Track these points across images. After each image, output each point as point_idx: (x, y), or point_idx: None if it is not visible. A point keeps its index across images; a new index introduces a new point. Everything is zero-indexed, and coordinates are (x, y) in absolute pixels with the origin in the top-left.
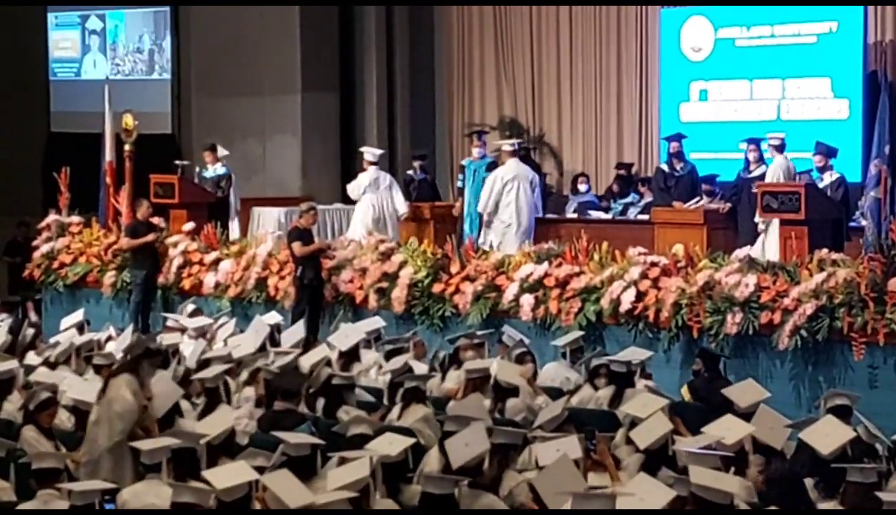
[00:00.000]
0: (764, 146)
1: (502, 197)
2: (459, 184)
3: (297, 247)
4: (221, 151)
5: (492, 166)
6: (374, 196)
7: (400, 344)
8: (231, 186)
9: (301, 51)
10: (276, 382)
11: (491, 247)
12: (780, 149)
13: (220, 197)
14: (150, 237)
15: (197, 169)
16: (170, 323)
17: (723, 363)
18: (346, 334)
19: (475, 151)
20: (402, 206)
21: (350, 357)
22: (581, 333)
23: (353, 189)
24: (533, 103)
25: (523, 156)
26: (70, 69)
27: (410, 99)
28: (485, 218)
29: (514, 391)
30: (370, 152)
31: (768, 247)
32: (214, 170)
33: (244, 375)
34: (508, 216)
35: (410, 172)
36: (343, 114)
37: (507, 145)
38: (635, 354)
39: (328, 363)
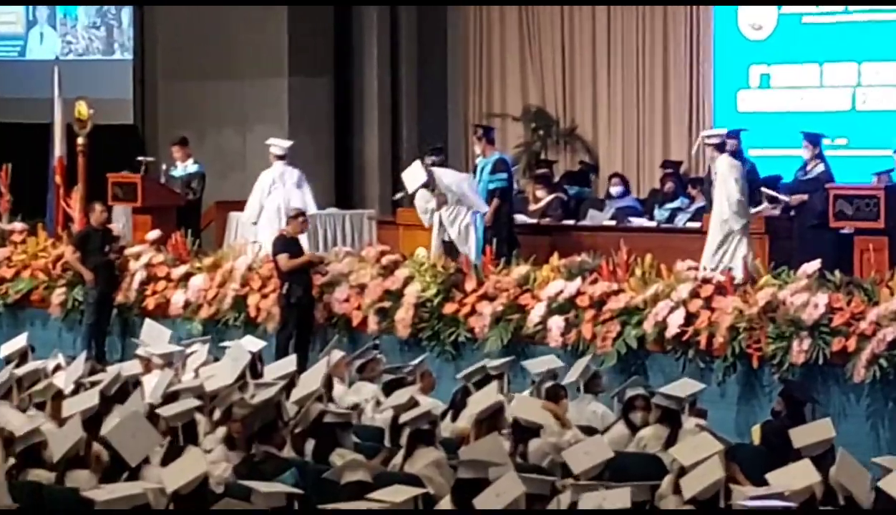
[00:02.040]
0: (706, 144)
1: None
2: None
3: (282, 259)
4: (276, 149)
5: (498, 164)
6: (280, 195)
7: (404, 375)
8: (204, 187)
9: (288, 27)
10: (254, 420)
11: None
12: (721, 147)
13: (191, 199)
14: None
15: (164, 166)
16: (139, 351)
17: (810, 407)
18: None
19: (476, 149)
20: (312, 206)
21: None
22: (588, 358)
23: (251, 205)
24: (563, 90)
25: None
26: (12, 47)
27: (418, 86)
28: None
29: (535, 431)
30: (278, 145)
31: (731, 258)
32: (185, 167)
33: (218, 412)
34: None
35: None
36: (338, 102)
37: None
38: (685, 387)
39: (320, 397)
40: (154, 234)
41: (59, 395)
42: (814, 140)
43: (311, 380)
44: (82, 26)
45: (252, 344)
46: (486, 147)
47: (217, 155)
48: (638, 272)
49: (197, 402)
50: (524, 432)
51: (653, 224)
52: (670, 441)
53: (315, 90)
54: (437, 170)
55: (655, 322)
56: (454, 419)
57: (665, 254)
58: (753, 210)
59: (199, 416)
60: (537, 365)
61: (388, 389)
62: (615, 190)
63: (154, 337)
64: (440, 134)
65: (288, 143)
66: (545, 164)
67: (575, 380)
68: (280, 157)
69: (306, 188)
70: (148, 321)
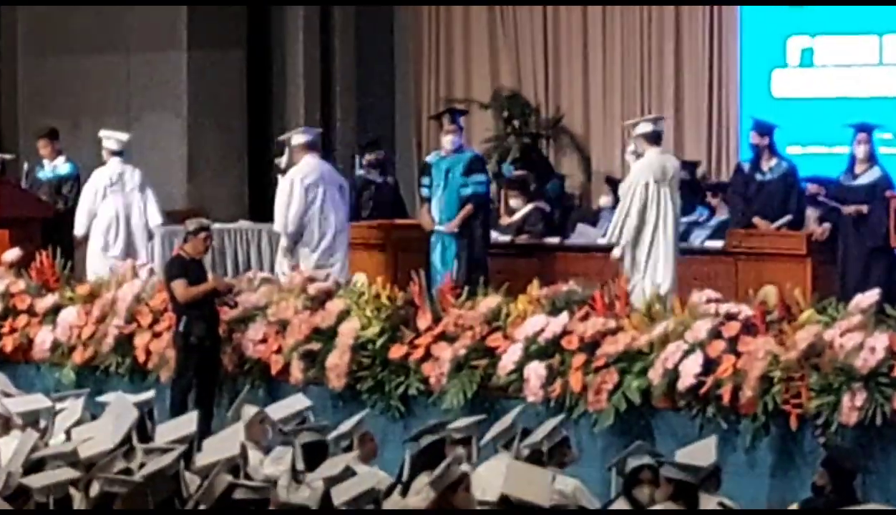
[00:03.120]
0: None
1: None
2: (424, 191)
3: (179, 287)
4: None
5: (475, 163)
6: (118, 200)
7: (337, 439)
8: (79, 193)
9: None
10: (144, 496)
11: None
12: (654, 139)
13: (61, 209)
14: None
15: (25, 166)
16: None
17: (860, 479)
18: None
19: (447, 141)
20: (156, 216)
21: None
22: (558, 419)
23: (78, 215)
24: (545, 71)
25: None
26: None
27: (356, 63)
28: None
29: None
30: (113, 137)
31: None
32: (54, 167)
33: (97, 486)
34: (310, 234)
35: (362, 172)
36: (252, 83)
37: (303, 135)
38: (705, 454)
39: (232, 468)
40: (13, 254)
41: None
42: (866, 131)
43: (221, 445)
44: None
45: (140, 397)
46: (455, 137)
47: (95, 151)
48: (641, 305)
49: (73, 472)
50: (517, 510)
51: None
52: None
53: (223, 67)
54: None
55: (664, 370)
56: (403, 494)
57: (678, 281)
58: (782, 222)
59: (71, 491)
60: (462, 426)
61: (311, 455)
62: (605, 200)
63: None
64: (383, 124)
65: (125, 136)
66: (522, 164)
67: (536, 444)
68: (116, 153)
69: (150, 193)
70: None
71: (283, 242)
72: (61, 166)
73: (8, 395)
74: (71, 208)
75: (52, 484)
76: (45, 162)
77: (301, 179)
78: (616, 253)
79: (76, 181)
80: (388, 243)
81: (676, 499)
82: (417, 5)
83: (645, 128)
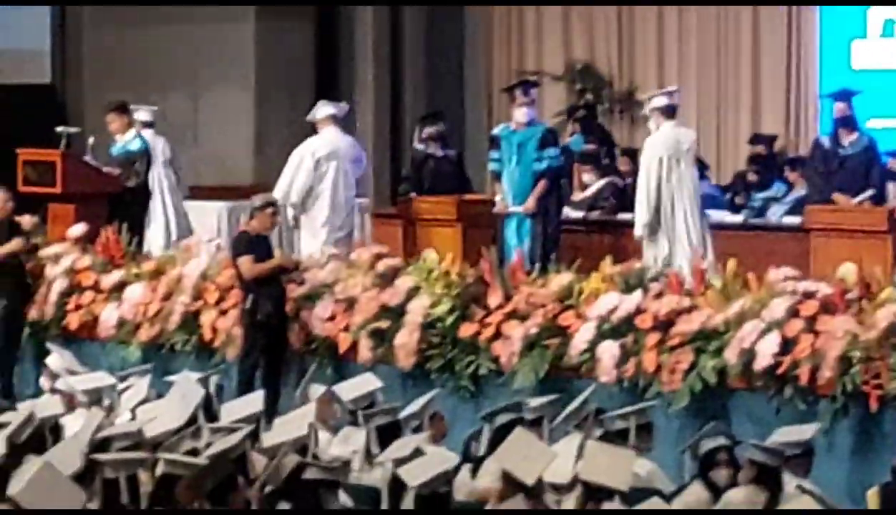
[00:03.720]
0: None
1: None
2: (493, 165)
3: (245, 263)
4: (143, 114)
5: (548, 136)
6: (151, 173)
7: (406, 419)
8: (148, 168)
9: None
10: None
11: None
12: (669, 112)
13: (132, 186)
14: (13, 246)
15: (90, 140)
16: (59, 384)
17: None
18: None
19: (519, 114)
20: (184, 189)
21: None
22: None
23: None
24: (619, 42)
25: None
26: None
27: (426, 35)
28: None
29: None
30: (144, 109)
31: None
32: (124, 142)
33: (163, 466)
34: (319, 209)
35: (421, 147)
36: (320, 55)
37: (328, 107)
38: (788, 436)
39: (301, 448)
40: (78, 229)
41: None
42: None
43: (290, 425)
44: None
45: (206, 375)
46: (528, 110)
47: (162, 125)
48: (717, 283)
49: (138, 454)
50: (595, 493)
51: (738, 219)
52: (768, 509)
53: (291, 40)
54: None
55: (741, 349)
56: (473, 474)
57: (754, 258)
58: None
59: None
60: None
61: (384, 436)
62: None
63: (62, 369)
64: (453, 96)
65: (155, 108)
66: (595, 138)
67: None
68: (148, 125)
69: (178, 167)
70: (53, 346)
71: (290, 214)
72: (132, 141)
73: (73, 373)
74: (143, 183)
75: (122, 460)
76: (117, 137)
77: (313, 153)
78: (637, 231)
79: (147, 156)
80: (458, 219)
81: (758, 482)
82: None
83: (660, 101)
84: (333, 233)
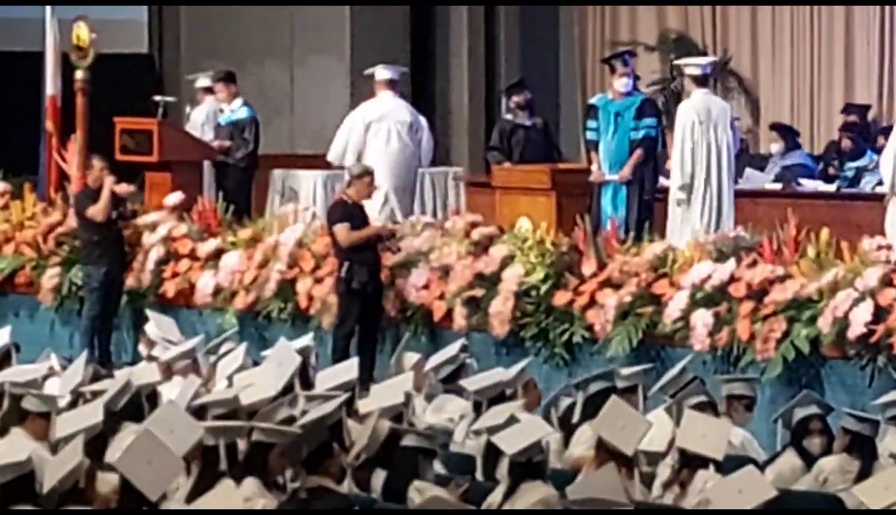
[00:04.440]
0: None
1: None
2: (590, 135)
3: (341, 230)
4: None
5: (647, 106)
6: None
7: (501, 386)
8: (257, 137)
9: None
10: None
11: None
12: (702, 80)
13: (241, 155)
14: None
15: (187, 108)
16: (155, 352)
17: None
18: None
19: (619, 84)
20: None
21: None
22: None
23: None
24: (713, 12)
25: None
26: None
27: (521, 6)
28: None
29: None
30: (202, 76)
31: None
32: (232, 111)
33: (258, 434)
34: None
35: (508, 116)
36: (415, 27)
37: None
38: (886, 403)
39: (396, 414)
40: (175, 198)
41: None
42: None
43: (386, 393)
44: None
45: (302, 343)
46: (627, 80)
47: (257, 96)
48: (811, 252)
49: (235, 423)
50: (691, 461)
51: (831, 188)
52: (861, 477)
53: (385, 12)
54: None
55: (834, 318)
56: (566, 443)
57: (847, 228)
58: None
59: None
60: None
61: (480, 405)
62: (775, 147)
63: (161, 334)
64: (547, 66)
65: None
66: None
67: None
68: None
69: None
70: (152, 314)
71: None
72: (239, 110)
73: (170, 341)
74: (252, 152)
75: (221, 428)
76: (224, 106)
77: (363, 116)
78: (677, 195)
79: (255, 124)
80: (551, 188)
81: (851, 451)
82: None
83: (694, 69)
84: (390, 193)
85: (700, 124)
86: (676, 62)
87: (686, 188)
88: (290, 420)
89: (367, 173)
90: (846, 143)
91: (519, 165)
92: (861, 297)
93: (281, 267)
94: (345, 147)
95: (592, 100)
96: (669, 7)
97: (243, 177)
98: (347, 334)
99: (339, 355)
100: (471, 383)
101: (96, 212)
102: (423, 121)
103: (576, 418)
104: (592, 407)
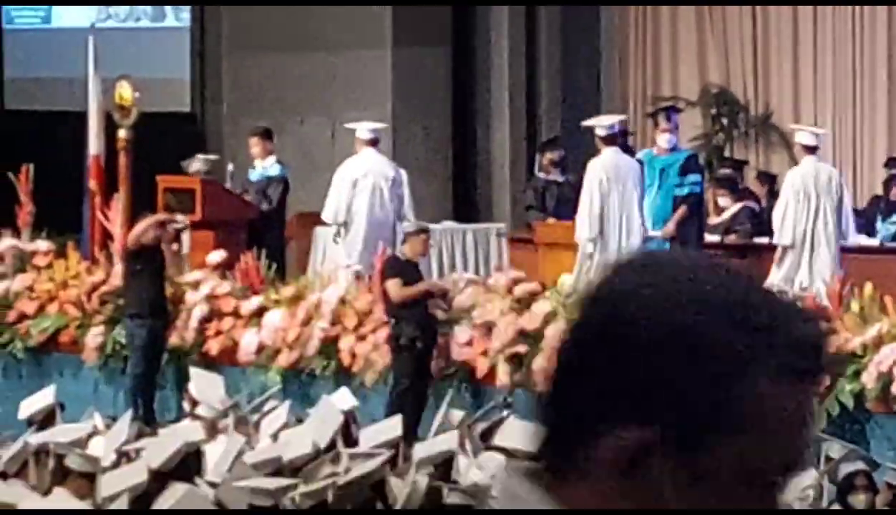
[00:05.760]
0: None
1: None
2: None
3: (394, 287)
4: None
5: (691, 162)
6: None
7: None
8: (284, 194)
9: None
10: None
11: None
12: (610, 140)
13: (265, 210)
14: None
15: (230, 167)
16: (199, 410)
17: None
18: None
19: (662, 139)
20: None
21: None
22: None
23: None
24: (755, 67)
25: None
26: (34, 13)
27: (561, 61)
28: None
29: None
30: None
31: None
32: (264, 168)
33: (303, 488)
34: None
35: (541, 174)
36: (457, 81)
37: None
38: None
39: (442, 473)
40: (217, 256)
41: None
42: None
43: (431, 450)
44: None
45: (345, 400)
46: (671, 136)
47: (299, 151)
48: (855, 306)
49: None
50: None
51: (874, 242)
52: None
53: (427, 65)
54: None
55: (879, 373)
56: None
57: (891, 282)
58: None
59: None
60: None
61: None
62: None
63: (205, 392)
64: None
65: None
66: (731, 163)
67: None
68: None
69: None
70: (196, 371)
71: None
72: (271, 167)
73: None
74: (276, 209)
75: (262, 489)
76: (256, 162)
77: (348, 173)
78: (587, 247)
79: (283, 182)
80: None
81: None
82: (624, 5)
83: (601, 130)
84: (368, 249)
85: (608, 181)
86: (584, 123)
87: (595, 242)
88: (333, 475)
89: (423, 231)
90: (889, 197)
91: (549, 221)
92: None
93: (324, 325)
94: (338, 205)
95: (638, 156)
96: (711, 62)
97: (272, 234)
98: (401, 393)
99: (390, 411)
100: (504, 439)
101: (139, 228)
102: (403, 175)
103: None
104: None
